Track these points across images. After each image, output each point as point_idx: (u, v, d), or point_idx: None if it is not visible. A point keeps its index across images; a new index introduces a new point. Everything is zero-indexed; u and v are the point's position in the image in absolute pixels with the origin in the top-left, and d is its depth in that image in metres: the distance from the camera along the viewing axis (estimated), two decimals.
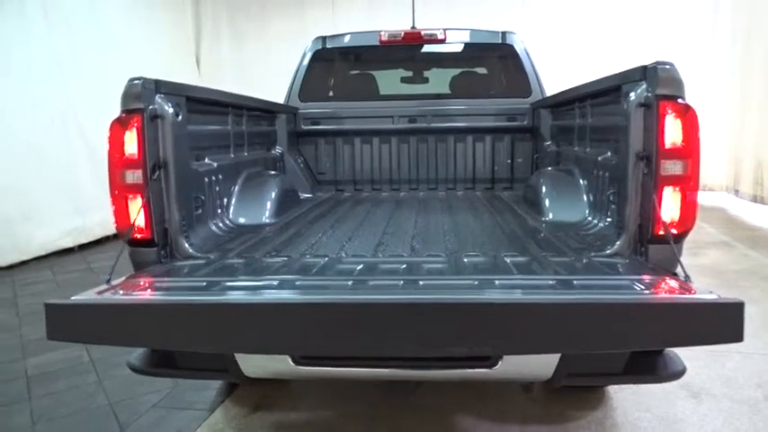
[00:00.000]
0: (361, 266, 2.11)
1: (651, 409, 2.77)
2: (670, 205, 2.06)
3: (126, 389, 3.16)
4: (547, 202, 3.09)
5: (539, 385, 3.02)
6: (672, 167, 2.02)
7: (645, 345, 1.64)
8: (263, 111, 3.95)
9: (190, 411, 2.91)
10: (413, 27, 4.69)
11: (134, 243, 2.25)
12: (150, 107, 2.21)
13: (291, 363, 2.05)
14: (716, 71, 9.25)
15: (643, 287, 1.72)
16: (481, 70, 4.88)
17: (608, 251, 2.19)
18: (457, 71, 4.82)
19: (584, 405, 2.82)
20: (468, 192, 4.47)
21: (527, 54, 4.46)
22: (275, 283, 1.95)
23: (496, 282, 1.85)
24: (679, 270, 1.92)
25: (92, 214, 6.85)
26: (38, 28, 6.37)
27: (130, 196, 2.21)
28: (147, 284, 1.91)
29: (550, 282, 1.84)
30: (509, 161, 4.50)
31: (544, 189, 3.22)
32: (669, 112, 2.01)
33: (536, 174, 3.70)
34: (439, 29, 4.47)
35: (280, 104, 4.33)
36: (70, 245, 6.77)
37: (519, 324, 1.52)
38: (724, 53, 9.18)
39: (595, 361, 2.03)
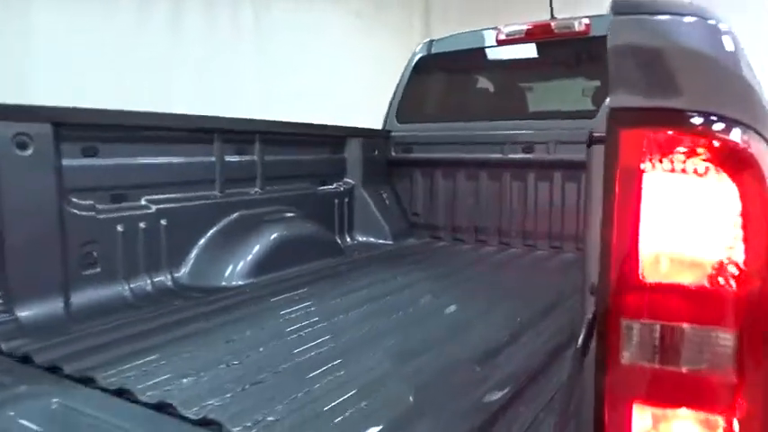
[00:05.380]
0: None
1: None
2: None
3: None
4: None
5: None
6: None
7: None
8: (308, 135, 3.17)
9: None
10: (552, 17, 3.33)
11: None
12: None
13: None
14: None
15: None
16: None
17: None
18: (604, 77, 3.24)
19: None
20: None
21: None
22: None
23: None
24: None
25: None
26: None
27: None
28: None
29: None
30: None
31: None
32: None
33: None
34: (578, 18, 3.07)
35: (345, 127, 3.44)
36: None
37: None
38: None
39: None
